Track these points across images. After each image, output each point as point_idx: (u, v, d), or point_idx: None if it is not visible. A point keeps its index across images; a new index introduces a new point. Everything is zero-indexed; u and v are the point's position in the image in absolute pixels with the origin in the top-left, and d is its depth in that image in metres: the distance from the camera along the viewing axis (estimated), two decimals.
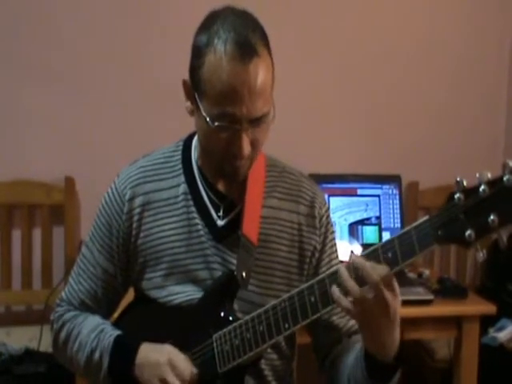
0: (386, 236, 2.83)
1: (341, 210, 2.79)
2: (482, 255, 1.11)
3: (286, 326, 1.28)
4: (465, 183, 1.12)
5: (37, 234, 2.95)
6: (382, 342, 1.27)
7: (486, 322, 2.61)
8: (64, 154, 2.96)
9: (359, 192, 2.85)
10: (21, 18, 2.91)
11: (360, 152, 3.17)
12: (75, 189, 2.92)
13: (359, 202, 2.84)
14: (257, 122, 1.30)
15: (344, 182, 2.85)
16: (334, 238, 1.55)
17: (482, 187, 1.08)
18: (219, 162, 1.37)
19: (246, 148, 1.31)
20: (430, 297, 2.46)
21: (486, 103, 3.35)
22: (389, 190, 2.87)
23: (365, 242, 2.80)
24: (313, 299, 1.26)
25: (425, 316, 2.47)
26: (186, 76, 1.37)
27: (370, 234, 2.82)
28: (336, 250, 1.55)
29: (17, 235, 2.93)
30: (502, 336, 2.70)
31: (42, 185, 2.92)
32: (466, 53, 3.28)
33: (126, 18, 2.97)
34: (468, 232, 1.10)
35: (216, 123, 1.29)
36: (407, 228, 1.17)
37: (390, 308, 1.22)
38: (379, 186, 2.87)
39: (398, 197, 2.88)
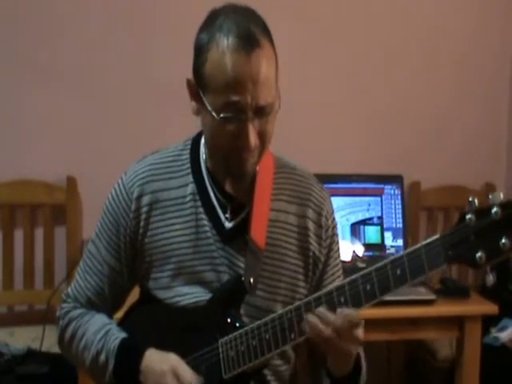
0: (388, 236, 2.83)
1: (343, 210, 2.79)
2: (491, 278, 1.10)
3: (292, 336, 1.28)
4: (476, 203, 1.11)
5: (39, 234, 2.95)
6: (339, 364, 1.35)
7: (488, 322, 2.61)
8: (66, 153, 2.96)
9: (361, 192, 2.85)
10: (23, 18, 2.91)
11: (362, 152, 3.17)
12: (77, 189, 2.92)
13: (361, 202, 2.84)
14: (262, 111, 1.30)
15: (346, 181, 2.85)
16: (338, 249, 1.54)
17: (495, 209, 1.08)
18: (226, 158, 1.35)
19: (253, 139, 1.31)
20: (432, 297, 2.46)
21: (488, 103, 3.35)
22: (391, 190, 2.87)
23: (367, 241, 2.80)
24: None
25: (427, 316, 2.47)
26: (190, 75, 1.37)
27: (371, 233, 2.82)
28: (339, 263, 1.54)
29: (19, 235, 2.93)
30: (504, 336, 2.70)
31: (44, 185, 2.92)
32: (468, 53, 3.28)
33: (128, 16, 2.97)
34: (478, 254, 1.09)
35: (221, 114, 1.29)
36: (417, 245, 1.17)
37: (349, 354, 1.29)
38: (381, 185, 2.87)
39: (399, 197, 2.88)
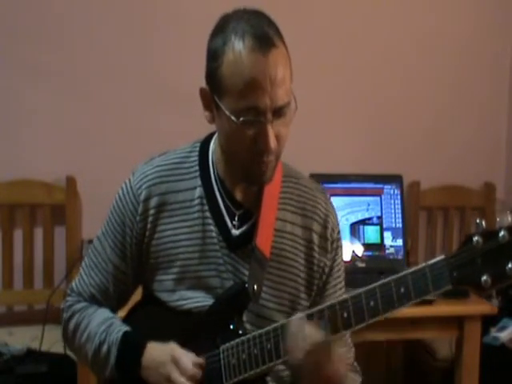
0: (387, 236, 2.83)
1: (342, 210, 2.79)
2: (496, 302, 1.10)
3: None
4: (484, 225, 1.09)
5: (38, 234, 2.95)
6: None
7: (488, 321, 2.61)
8: (65, 153, 2.96)
9: (361, 192, 2.85)
10: (23, 18, 2.90)
11: (362, 152, 3.17)
12: (76, 189, 2.92)
13: (361, 202, 2.84)
14: (280, 112, 1.30)
15: (345, 181, 2.85)
16: (341, 261, 1.53)
17: (502, 233, 1.06)
18: (245, 163, 1.34)
19: (273, 141, 1.30)
20: (432, 296, 2.46)
21: (487, 103, 3.35)
22: (390, 189, 2.87)
23: (366, 241, 2.80)
24: (322, 324, 1.25)
25: (426, 316, 2.46)
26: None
27: (371, 233, 2.82)
28: (342, 275, 1.54)
29: (18, 235, 2.93)
30: (504, 336, 2.70)
31: (43, 185, 2.92)
32: (467, 53, 3.28)
33: (128, 17, 2.97)
34: (484, 278, 1.09)
35: (241, 118, 1.28)
36: (422, 265, 1.16)
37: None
38: (381, 185, 2.87)
39: (399, 197, 2.88)
